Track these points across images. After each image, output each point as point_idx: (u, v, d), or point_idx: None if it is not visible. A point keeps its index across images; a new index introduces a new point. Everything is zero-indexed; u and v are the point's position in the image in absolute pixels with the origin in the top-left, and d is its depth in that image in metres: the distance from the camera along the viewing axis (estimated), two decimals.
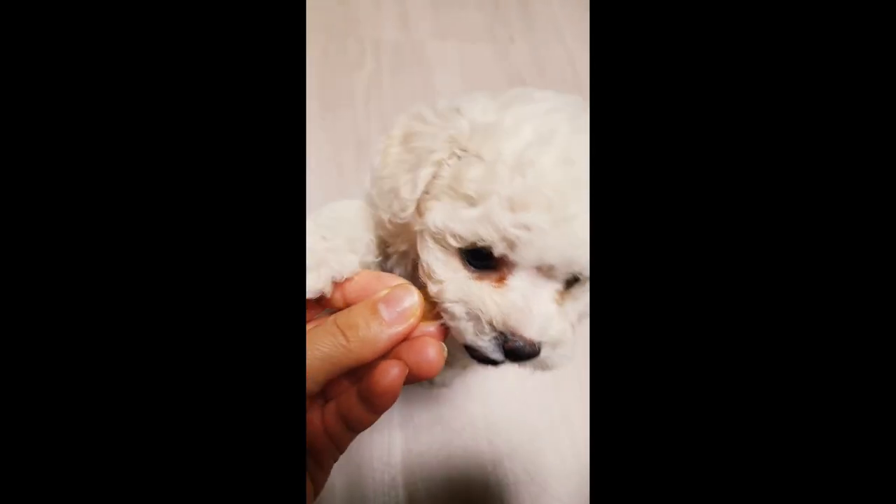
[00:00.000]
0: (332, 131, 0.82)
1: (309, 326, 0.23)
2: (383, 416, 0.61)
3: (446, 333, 0.24)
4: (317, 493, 0.23)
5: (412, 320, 0.22)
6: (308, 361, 0.20)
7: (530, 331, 0.25)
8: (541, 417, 0.64)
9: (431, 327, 0.23)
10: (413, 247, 0.29)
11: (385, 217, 0.29)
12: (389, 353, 0.22)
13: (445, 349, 0.22)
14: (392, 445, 0.60)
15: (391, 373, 0.22)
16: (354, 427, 0.24)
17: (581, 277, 0.26)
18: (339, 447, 0.24)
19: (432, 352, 0.22)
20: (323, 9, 0.94)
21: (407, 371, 0.22)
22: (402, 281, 0.23)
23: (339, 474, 0.58)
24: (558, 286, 0.27)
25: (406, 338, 0.22)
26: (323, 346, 0.21)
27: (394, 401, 0.22)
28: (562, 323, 0.27)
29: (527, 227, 0.24)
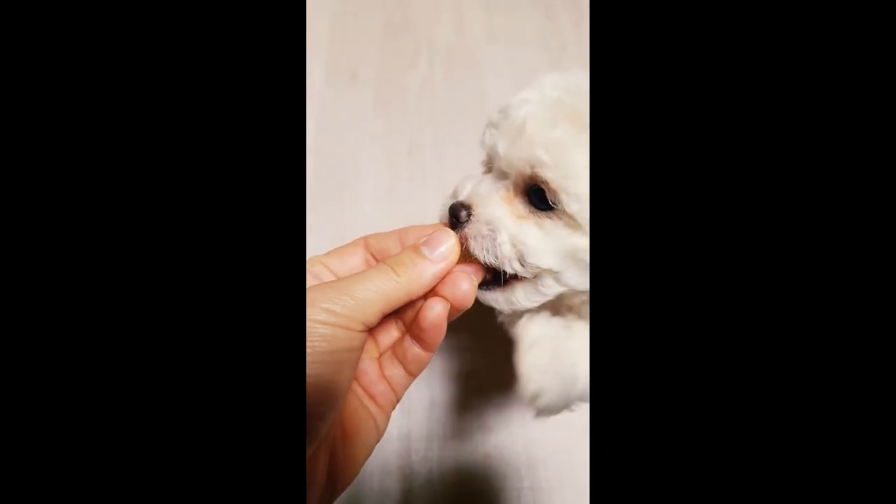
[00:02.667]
0: (386, 127, 0.84)
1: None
2: (424, 411, 0.62)
3: (482, 273, 0.28)
4: (380, 436, 0.26)
5: (451, 258, 0.25)
6: (365, 296, 0.23)
7: (461, 195, 0.32)
8: (580, 424, 0.64)
9: (469, 268, 0.27)
10: None
11: None
12: (433, 291, 0.26)
13: (476, 283, 0.26)
14: (430, 441, 0.61)
15: (435, 308, 0.25)
16: (411, 368, 0.27)
17: (544, 187, 0.30)
18: (397, 394, 0.27)
19: (465, 284, 0.25)
20: (382, 8, 0.96)
21: (449, 306, 0.25)
22: (441, 227, 0.27)
23: (375, 466, 0.59)
24: (507, 184, 0.32)
25: (446, 275, 0.26)
26: (377, 281, 0.23)
27: (441, 335, 0.26)
28: (521, 229, 0.30)
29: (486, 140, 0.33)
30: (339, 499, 0.57)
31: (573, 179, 0.28)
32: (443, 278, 0.25)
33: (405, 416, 0.61)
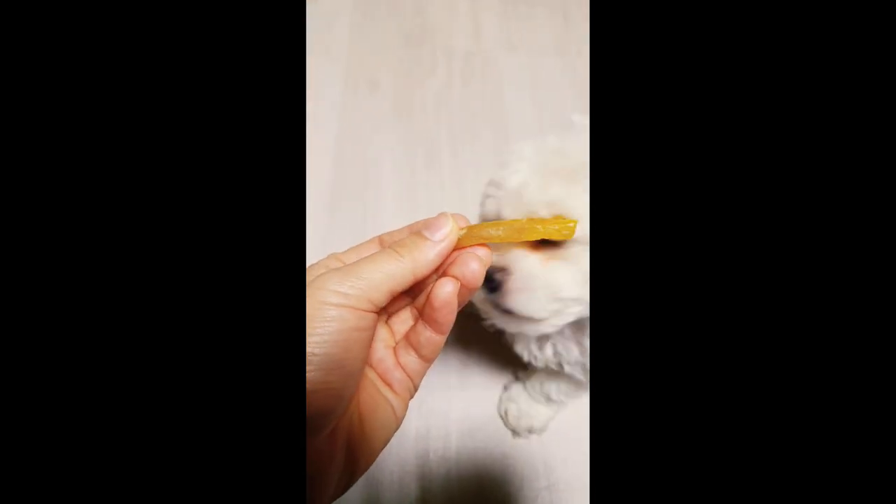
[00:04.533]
0: (405, 134, 0.85)
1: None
2: (442, 411, 0.63)
3: (491, 255, 0.29)
4: (398, 423, 0.27)
5: (451, 237, 0.26)
6: (371, 276, 0.24)
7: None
8: None
9: (480, 251, 0.28)
10: None
11: None
12: (442, 272, 0.27)
13: (486, 263, 0.27)
14: (448, 441, 0.62)
15: (446, 287, 0.26)
16: (424, 353, 0.28)
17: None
18: (413, 381, 0.28)
19: (475, 264, 0.26)
20: (400, 17, 0.98)
21: (459, 285, 0.26)
22: (442, 213, 0.28)
23: (393, 465, 0.60)
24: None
25: (450, 254, 0.27)
26: (381, 263, 0.25)
27: (452, 315, 0.27)
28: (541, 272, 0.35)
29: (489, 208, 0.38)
30: (358, 497, 0.58)
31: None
32: (453, 260, 0.27)
33: (423, 417, 0.62)
